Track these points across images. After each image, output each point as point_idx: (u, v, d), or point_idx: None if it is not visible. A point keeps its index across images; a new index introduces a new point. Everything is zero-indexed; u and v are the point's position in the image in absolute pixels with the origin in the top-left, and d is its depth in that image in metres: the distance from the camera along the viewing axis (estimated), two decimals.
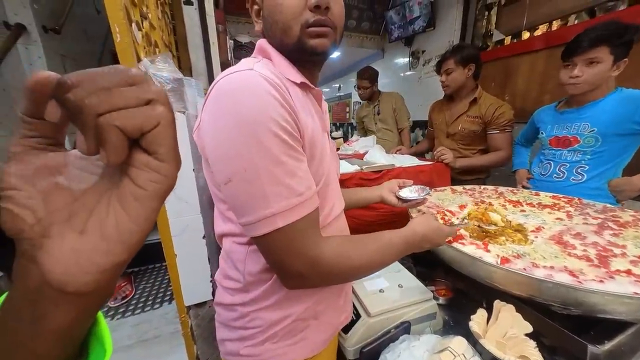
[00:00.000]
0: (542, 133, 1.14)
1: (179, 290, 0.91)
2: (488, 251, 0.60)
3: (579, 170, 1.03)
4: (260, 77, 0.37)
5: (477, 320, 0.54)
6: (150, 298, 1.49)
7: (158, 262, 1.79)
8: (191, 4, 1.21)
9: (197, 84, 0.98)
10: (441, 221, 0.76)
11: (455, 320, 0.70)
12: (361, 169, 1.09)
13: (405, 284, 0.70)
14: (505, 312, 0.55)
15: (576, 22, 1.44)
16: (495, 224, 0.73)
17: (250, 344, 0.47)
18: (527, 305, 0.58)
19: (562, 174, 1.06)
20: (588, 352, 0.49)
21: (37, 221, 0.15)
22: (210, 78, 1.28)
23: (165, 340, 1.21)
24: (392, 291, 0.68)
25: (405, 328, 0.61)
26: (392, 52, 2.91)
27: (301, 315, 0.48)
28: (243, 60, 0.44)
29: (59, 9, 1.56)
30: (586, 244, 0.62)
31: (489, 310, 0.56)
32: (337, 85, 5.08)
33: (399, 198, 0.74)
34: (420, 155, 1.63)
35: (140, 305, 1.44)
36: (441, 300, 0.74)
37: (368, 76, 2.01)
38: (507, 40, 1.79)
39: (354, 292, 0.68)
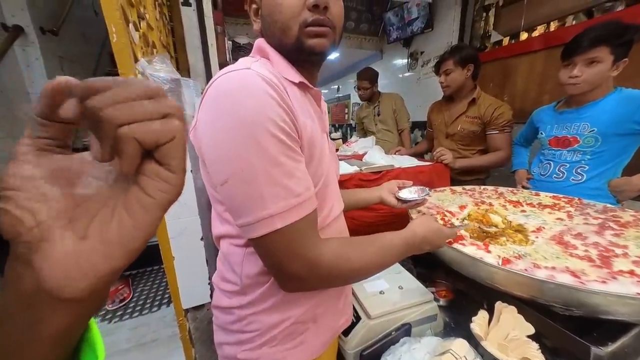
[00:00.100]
0: (541, 133, 1.13)
1: (176, 293, 0.90)
2: (489, 252, 0.59)
3: (578, 171, 1.02)
4: (257, 76, 0.37)
5: (479, 322, 0.53)
6: (148, 301, 1.48)
7: (156, 265, 1.78)
8: (189, 5, 1.21)
9: (195, 85, 0.97)
10: (441, 222, 0.76)
11: (456, 322, 0.69)
12: (360, 169, 1.09)
13: (406, 285, 0.70)
14: (507, 313, 0.54)
15: (574, 22, 1.44)
16: (496, 226, 0.73)
17: (248, 347, 0.47)
18: (528, 307, 0.57)
19: (561, 174, 1.06)
20: (591, 354, 0.48)
21: (37, 224, 0.15)
22: (209, 79, 1.26)
23: (163, 344, 1.20)
24: (392, 293, 0.67)
25: (406, 330, 0.60)
26: (390, 53, 2.92)
27: (300, 319, 0.47)
28: (241, 60, 0.43)
29: (57, 11, 1.55)
30: (587, 244, 0.61)
31: (490, 312, 0.56)
32: (336, 86, 5.09)
33: (398, 199, 0.73)
34: (419, 156, 1.62)
35: (138, 308, 1.43)
36: (442, 302, 0.73)
37: (368, 77, 2.01)
38: (505, 41, 1.79)
39: (353, 294, 0.67)
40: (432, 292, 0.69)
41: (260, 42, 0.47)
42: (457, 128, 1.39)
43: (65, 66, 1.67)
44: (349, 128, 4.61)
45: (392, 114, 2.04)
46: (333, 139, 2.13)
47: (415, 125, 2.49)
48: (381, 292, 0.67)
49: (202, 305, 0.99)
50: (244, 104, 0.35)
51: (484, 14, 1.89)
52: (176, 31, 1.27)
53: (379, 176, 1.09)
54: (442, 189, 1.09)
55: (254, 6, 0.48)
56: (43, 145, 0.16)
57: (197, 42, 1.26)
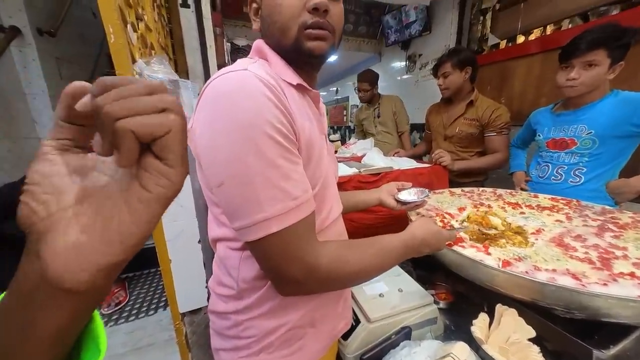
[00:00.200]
0: (539, 135, 1.14)
1: (173, 297, 0.89)
2: (489, 254, 0.59)
3: (576, 173, 1.03)
4: (255, 77, 0.36)
5: (479, 325, 0.53)
6: (144, 304, 1.47)
7: (153, 268, 1.76)
8: (188, 6, 1.21)
9: (194, 86, 0.97)
10: (440, 224, 0.76)
11: (456, 325, 0.68)
12: (359, 171, 1.09)
13: (405, 288, 0.69)
14: (508, 316, 0.54)
15: (570, 26, 1.46)
16: (496, 228, 0.72)
17: (245, 354, 0.46)
18: (529, 309, 0.56)
19: (559, 176, 1.06)
20: (593, 357, 0.48)
21: (48, 215, 0.16)
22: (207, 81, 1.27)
23: (159, 348, 1.18)
24: (392, 296, 0.67)
25: (406, 334, 0.60)
26: (389, 55, 2.93)
27: (297, 323, 0.47)
28: (239, 61, 0.43)
29: (55, 12, 1.55)
30: (587, 246, 0.61)
31: (491, 315, 0.55)
32: (335, 88, 5.11)
33: (397, 201, 0.73)
34: (417, 157, 1.63)
35: (135, 311, 1.41)
36: (442, 305, 0.73)
37: (369, 79, 2.02)
38: (503, 44, 1.81)
39: (353, 297, 0.66)
40: (432, 295, 0.68)
41: (258, 43, 0.47)
42: (455, 130, 1.40)
43: (62, 67, 1.66)
44: (347, 130, 4.62)
45: (392, 116, 2.04)
46: (331, 141, 2.14)
47: (414, 128, 2.50)
48: (381, 295, 0.67)
49: (199, 309, 0.97)
50: (241, 106, 0.34)
51: (481, 17, 1.91)
52: (175, 33, 1.27)
53: (377, 178, 1.08)
54: (441, 190, 1.09)
55: (254, 5, 0.48)
56: (63, 145, 0.17)
57: (196, 43, 1.26)
